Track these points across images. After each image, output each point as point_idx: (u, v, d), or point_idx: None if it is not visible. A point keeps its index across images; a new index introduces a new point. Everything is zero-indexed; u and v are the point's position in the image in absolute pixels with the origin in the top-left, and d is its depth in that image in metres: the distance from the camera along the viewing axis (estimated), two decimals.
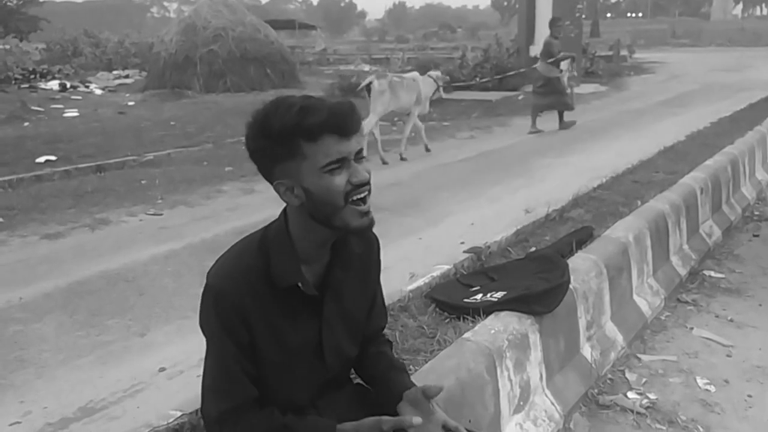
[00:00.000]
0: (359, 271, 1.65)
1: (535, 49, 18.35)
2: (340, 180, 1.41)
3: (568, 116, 10.94)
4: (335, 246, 1.56)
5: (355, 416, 1.67)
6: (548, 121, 10.93)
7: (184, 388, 3.17)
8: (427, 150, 9.19)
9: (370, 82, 8.40)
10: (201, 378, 1.57)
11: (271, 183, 1.47)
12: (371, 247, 1.70)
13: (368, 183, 1.45)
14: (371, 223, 1.48)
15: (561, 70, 10.94)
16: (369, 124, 8.12)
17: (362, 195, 1.44)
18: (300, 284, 1.50)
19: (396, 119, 11.15)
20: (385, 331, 1.86)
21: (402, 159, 8.72)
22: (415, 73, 9.18)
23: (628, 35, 31.26)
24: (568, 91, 11.36)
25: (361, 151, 1.45)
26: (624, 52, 25.41)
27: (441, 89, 9.44)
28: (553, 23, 10.67)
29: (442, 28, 62.26)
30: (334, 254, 1.57)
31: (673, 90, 16.19)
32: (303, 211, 1.47)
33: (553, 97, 10.63)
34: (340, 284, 1.59)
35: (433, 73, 9.55)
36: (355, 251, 1.61)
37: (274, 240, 1.52)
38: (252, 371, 1.52)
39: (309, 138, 1.38)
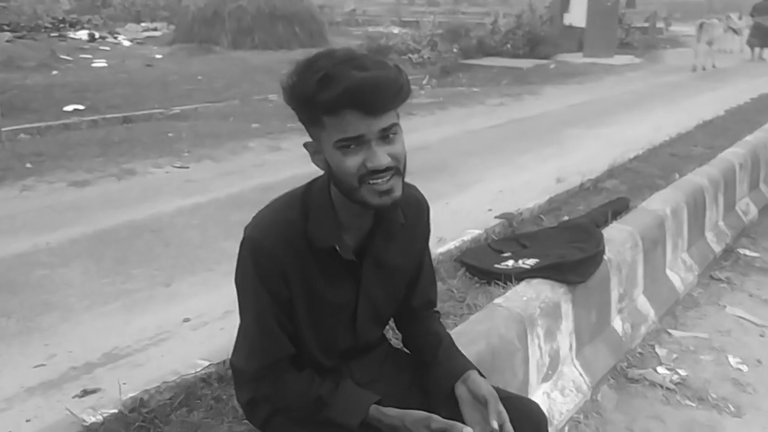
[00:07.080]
0: (403, 239, 1.55)
1: (570, 17, 17.96)
2: (352, 161, 1.28)
3: None
4: (379, 213, 1.46)
5: (386, 378, 1.65)
6: (578, 92, 10.71)
7: (208, 339, 3.17)
8: (714, 66, 14.87)
9: (703, 22, 14.72)
10: (236, 336, 1.53)
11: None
12: (420, 214, 1.61)
13: (387, 169, 1.30)
14: (393, 201, 1.35)
15: None
16: (701, 49, 14.66)
17: (378, 180, 1.30)
18: (337, 247, 1.43)
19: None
20: None
21: (714, 67, 14.81)
22: (715, 20, 15.45)
23: (664, 7, 30.30)
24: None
25: (389, 128, 1.29)
26: (660, 25, 24.65)
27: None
28: None
29: None
30: (377, 222, 1.48)
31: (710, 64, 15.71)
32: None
33: (763, 39, 16.73)
34: (382, 252, 1.51)
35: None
36: (400, 221, 1.50)
37: (316, 198, 1.44)
38: (289, 328, 1.47)
39: (327, 111, 1.26)
